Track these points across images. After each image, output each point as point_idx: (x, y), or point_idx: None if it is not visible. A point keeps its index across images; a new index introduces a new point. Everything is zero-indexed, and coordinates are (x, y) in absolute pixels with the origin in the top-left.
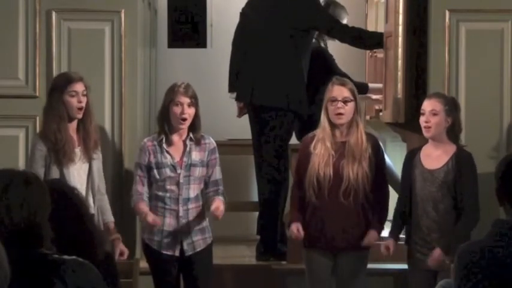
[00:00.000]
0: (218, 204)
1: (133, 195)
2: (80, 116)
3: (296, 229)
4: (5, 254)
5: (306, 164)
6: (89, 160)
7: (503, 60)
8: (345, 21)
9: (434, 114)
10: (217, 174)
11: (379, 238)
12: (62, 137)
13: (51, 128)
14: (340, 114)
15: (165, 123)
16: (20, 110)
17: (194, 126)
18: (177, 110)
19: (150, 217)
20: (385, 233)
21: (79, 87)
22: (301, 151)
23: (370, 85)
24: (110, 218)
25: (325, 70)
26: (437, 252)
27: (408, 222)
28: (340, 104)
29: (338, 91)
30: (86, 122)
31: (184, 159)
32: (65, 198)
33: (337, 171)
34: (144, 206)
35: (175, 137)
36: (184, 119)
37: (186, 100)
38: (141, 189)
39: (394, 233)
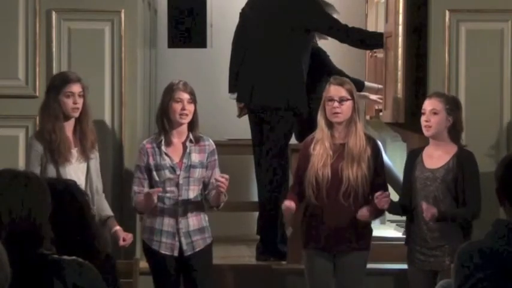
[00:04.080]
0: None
1: (132, 196)
2: (76, 114)
3: (288, 203)
4: (5, 255)
5: (305, 166)
6: (86, 160)
7: (503, 60)
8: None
9: (435, 114)
10: (216, 175)
11: (370, 217)
12: (57, 137)
13: (46, 128)
14: (337, 113)
15: (165, 122)
16: (20, 110)
17: (193, 124)
18: (177, 106)
19: (149, 192)
20: (386, 233)
21: (76, 88)
22: (301, 153)
23: (367, 83)
24: (110, 213)
25: (321, 68)
26: (434, 210)
27: (409, 222)
28: (336, 104)
29: (335, 91)
30: (83, 123)
31: (184, 160)
32: (71, 199)
33: (336, 173)
34: (141, 199)
35: (175, 138)
36: (185, 114)
37: (185, 96)
38: (139, 190)
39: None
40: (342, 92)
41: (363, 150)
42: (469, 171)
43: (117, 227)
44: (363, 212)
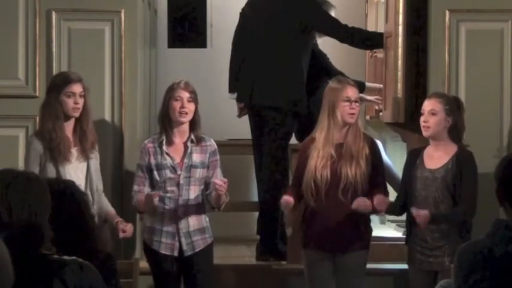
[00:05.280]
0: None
1: (133, 195)
2: (76, 114)
3: (286, 197)
4: (8, 256)
5: (304, 167)
6: (86, 159)
7: (503, 60)
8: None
9: (433, 114)
10: (218, 175)
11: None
12: (57, 137)
13: (46, 127)
14: (354, 114)
15: (166, 122)
16: (20, 110)
17: (194, 124)
18: (176, 104)
19: (150, 194)
20: (386, 233)
21: (77, 88)
22: (300, 154)
23: (367, 84)
24: (110, 208)
25: (321, 70)
26: (425, 212)
27: (408, 223)
28: (354, 105)
29: (352, 91)
30: (83, 123)
31: (185, 160)
32: (70, 199)
33: (335, 172)
34: (142, 197)
35: (176, 138)
36: (185, 113)
37: (185, 95)
38: (139, 189)
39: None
40: (357, 93)
41: (361, 148)
42: (466, 171)
43: (118, 219)
44: (359, 202)
